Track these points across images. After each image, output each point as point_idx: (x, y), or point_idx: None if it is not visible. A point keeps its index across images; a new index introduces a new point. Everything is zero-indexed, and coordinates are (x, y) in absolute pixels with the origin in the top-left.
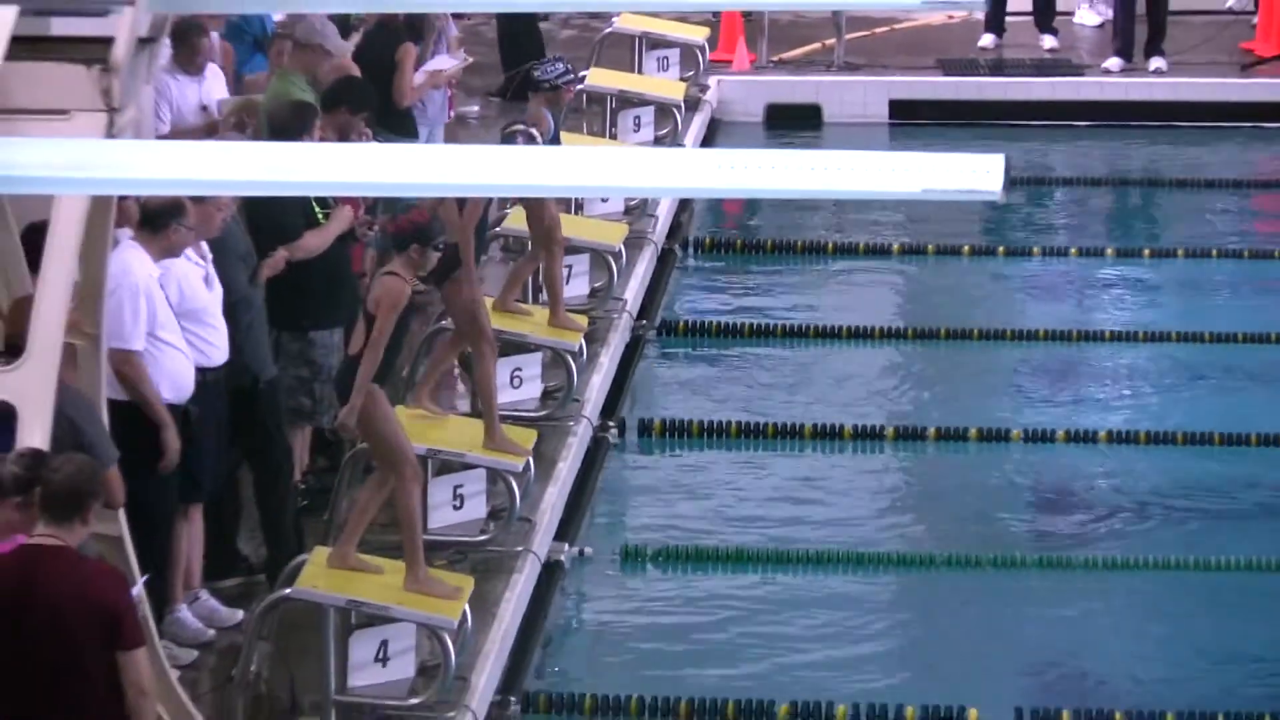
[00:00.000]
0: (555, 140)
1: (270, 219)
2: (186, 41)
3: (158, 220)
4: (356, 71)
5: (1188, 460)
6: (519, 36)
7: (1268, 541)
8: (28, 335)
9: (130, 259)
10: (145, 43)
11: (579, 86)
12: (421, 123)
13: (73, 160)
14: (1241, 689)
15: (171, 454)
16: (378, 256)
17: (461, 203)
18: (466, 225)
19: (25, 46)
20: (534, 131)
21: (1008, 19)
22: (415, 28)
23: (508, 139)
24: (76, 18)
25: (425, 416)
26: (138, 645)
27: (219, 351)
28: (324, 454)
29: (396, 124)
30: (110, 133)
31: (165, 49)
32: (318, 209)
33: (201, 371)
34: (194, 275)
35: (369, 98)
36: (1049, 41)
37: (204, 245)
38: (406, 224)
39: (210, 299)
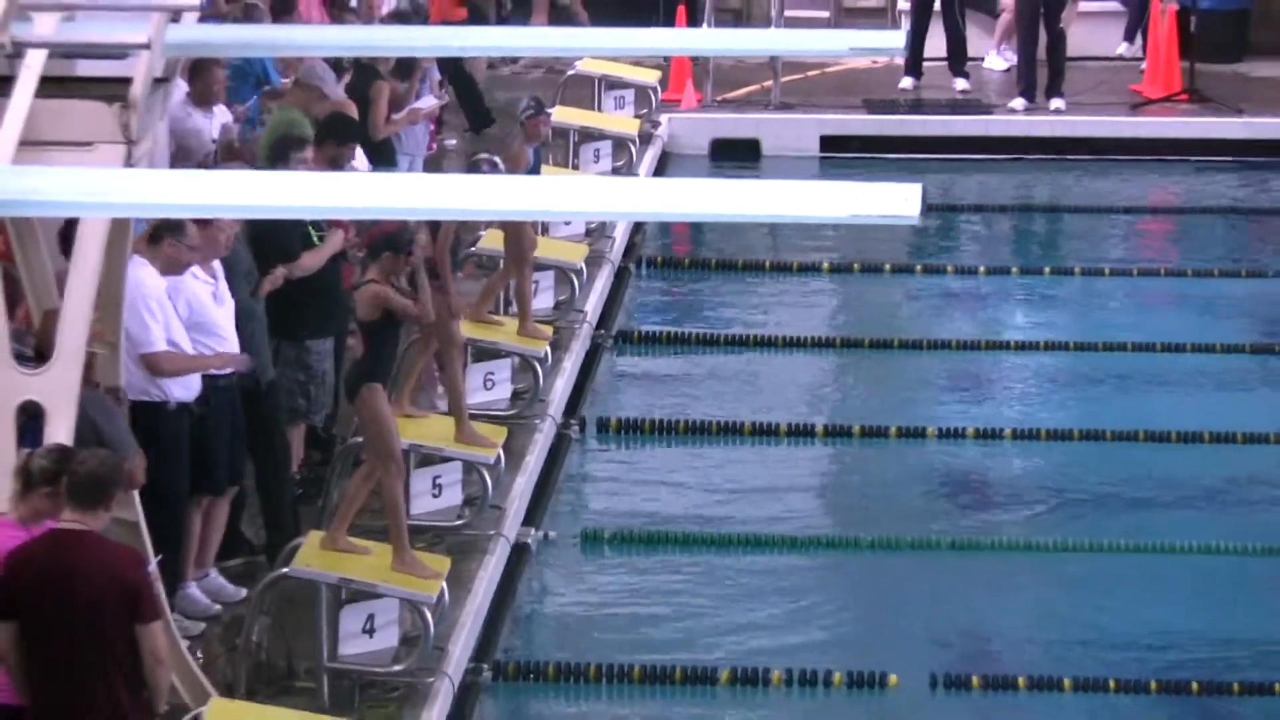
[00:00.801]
0: (535, 170)
1: (273, 241)
2: (202, 77)
3: (153, 235)
4: (354, 110)
5: (1082, 455)
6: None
7: (1154, 527)
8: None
9: (141, 274)
10: (160, 82)
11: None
12: (402, 153)
13: (95, 187)
14: (1128, 659)
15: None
16: (358, 270)
17: (435, 226)
18: (441, 244)
19: (54, 85)
20: (497, 160)
21: (925, 64)
22: (404, 68)
23: (473, 167)
24: (99, 60)
25: (407, 416)
26: (155, 619)
27: None
28: (317, 449)
29: (377, 154)
30: (128, 162)
31: (182, 87)
32: (313, 232)
33: (214, 378)
34: (203, 292)
35: (353, 132)
36: (961, 84)
37: (215, 264)
38: (377, 233)
39: (220, 313)
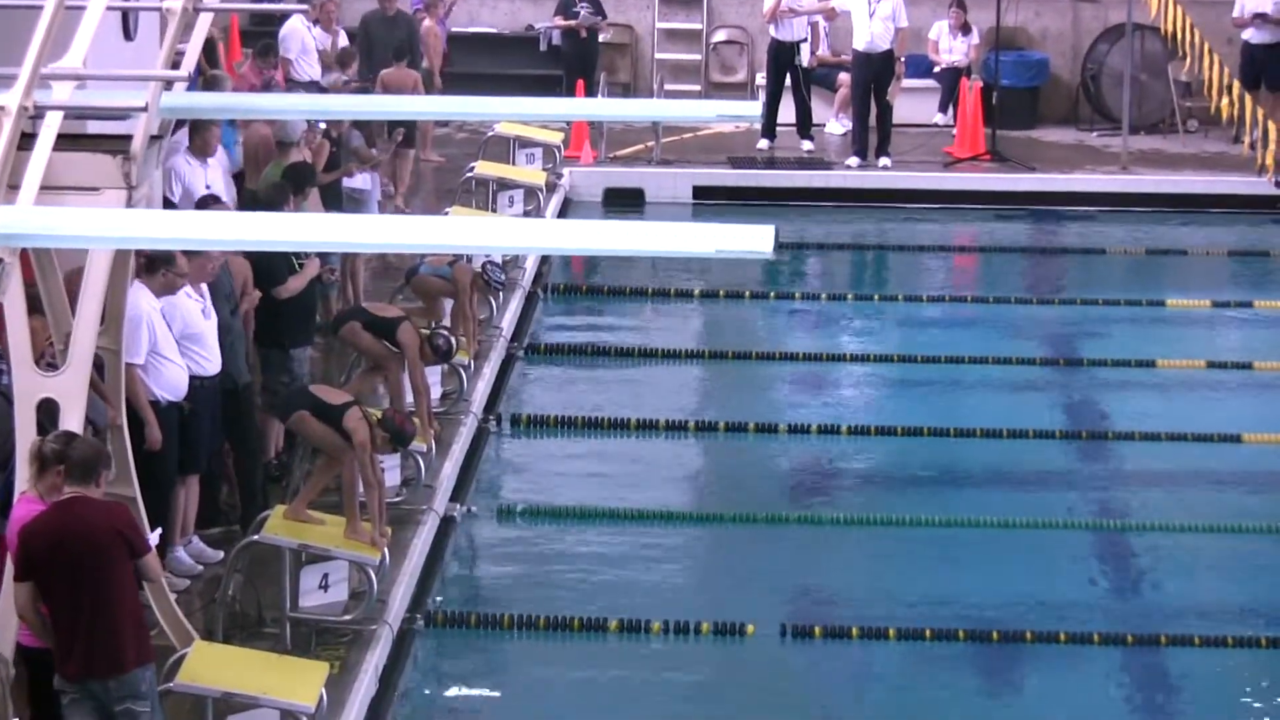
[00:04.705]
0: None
1: (266, 268)
2: (200, 134)
3: (152, 265)
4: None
5: (904, 447)
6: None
7: (962, 505)
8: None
9: (138, 297)
10: (155, 139)
11: (470, 175)
12: (361, 200)
13: (101, 224)
14: (941, 612)
15: (152, 441)
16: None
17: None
18: (413, 367)
19: (68, 141)
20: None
21: (778, 128)
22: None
23: None
24: (105, 120)
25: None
26: (147, 551)
27: (212, 365)
28: (289, 441)
29: (332, 198)
30: (129, 204)
31: (182, 139)
32: (295, 261)
33: (200, 379)
34: (194, 309)
35: (306, 179)
36: (807, 145)
37: (203, 287)
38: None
39: (207, 326)
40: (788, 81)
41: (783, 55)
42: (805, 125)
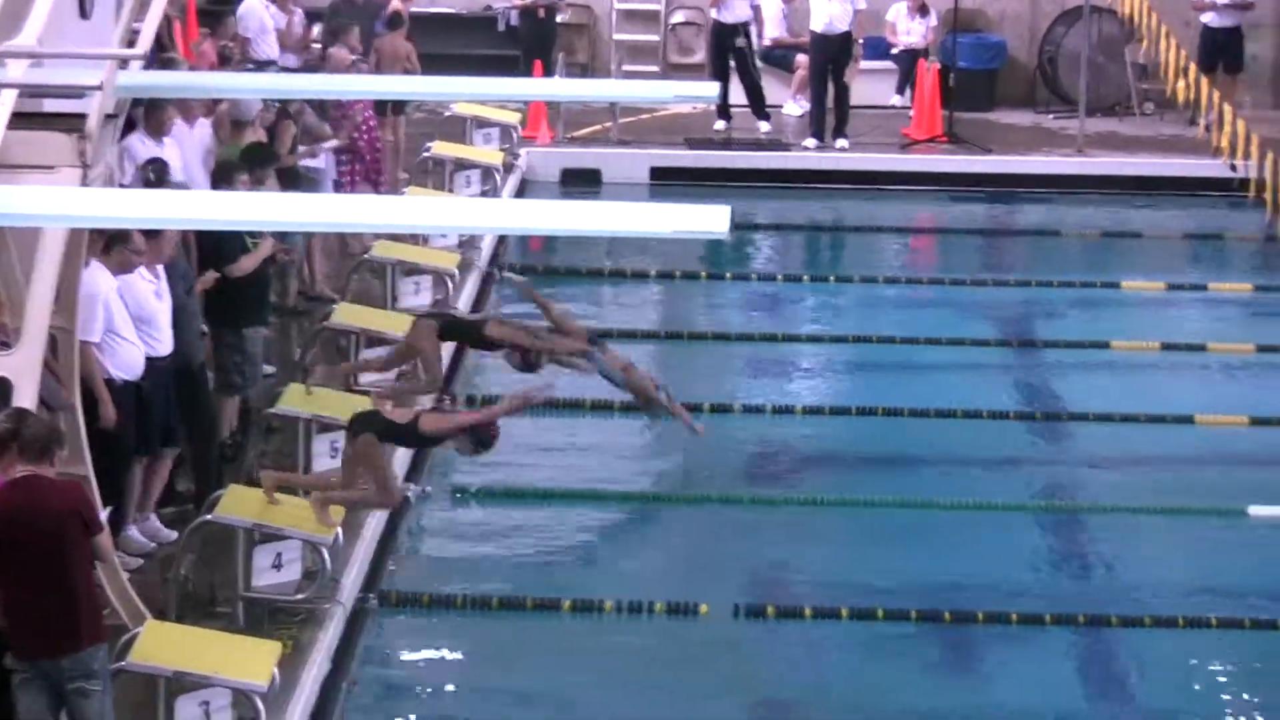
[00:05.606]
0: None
1: (217, 248)
2: (154, 116)
3: (109, 244)
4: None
5: (859, 427)
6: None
7: (917, 486)
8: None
9: (96, 276)
10: (110, 118)
11: (427, 154)
12: (316, 180)
13: (56, 203)
14: (893, 592)
15: (107, 419)
16: None
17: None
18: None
19: (23, 120)
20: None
21: (733, 109)
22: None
23: None
24: (61, 99)
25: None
26: (102, 529)
27: (164, 346)
28: (243, 421)
29: (291, 178)
30: (84, 183)
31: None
32: (249, 240)
33: (153, 360)
34: (148, 290)
35: (265, 159)
36: (765, 126)
37: (158, 268)
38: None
39: (160, 307)
40: (734, 64)
41: (723, 37)
42: (759, 106)
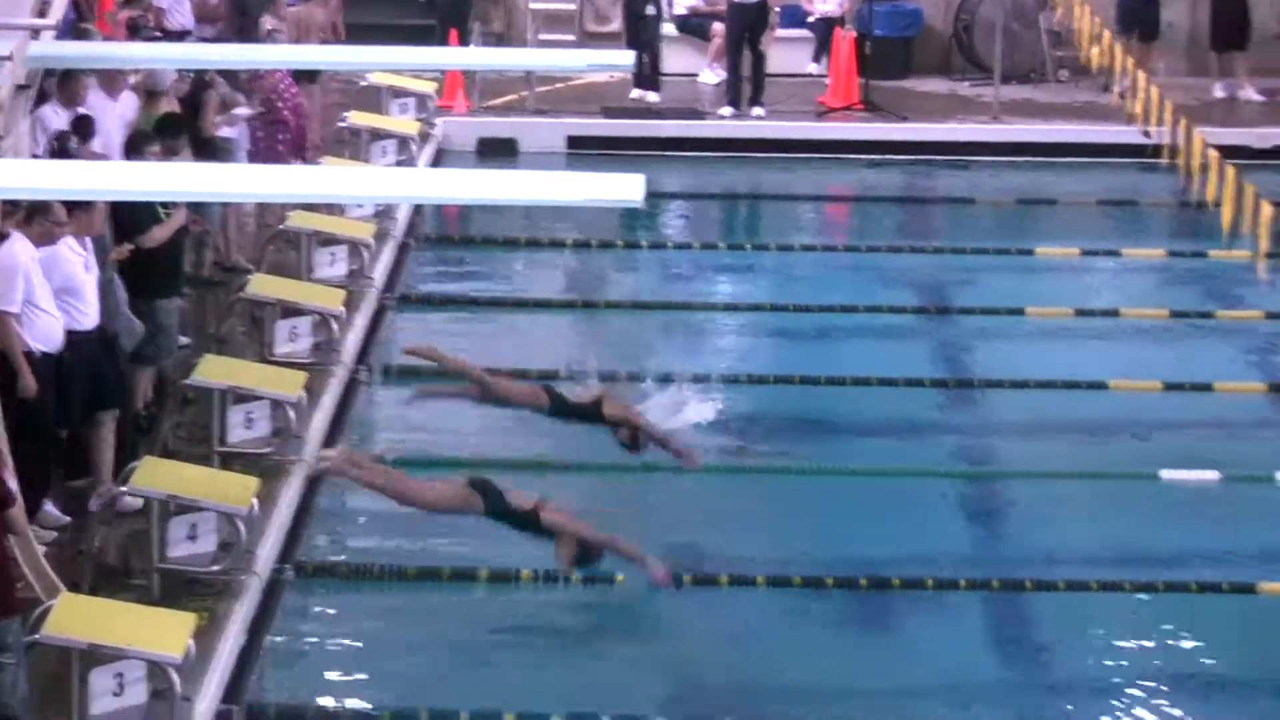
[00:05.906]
0: None
1: (130, 217)
2: (68, 86)
3: (30, 215)
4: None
5: (776, 395)
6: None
7: (834, 454)
8: None
9: (15, 247)
10: (22, 89)
11: (343, 124)
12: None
13: None
14: (811, 559)
15: (26, 389)
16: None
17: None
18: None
19: None
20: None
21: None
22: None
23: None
24: None
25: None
26: (14, 503)
27: (89, 319)
28: (158, 393)
29: (207, 149)
30: None
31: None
32: (161, 210)
33: (77, 333)
34: (75, 263)
35: (178, 129)
36: (653, 96)
37: (87, 240)
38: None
39: (88, 280)
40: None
41: (636, 4)
42: (652, 76)
